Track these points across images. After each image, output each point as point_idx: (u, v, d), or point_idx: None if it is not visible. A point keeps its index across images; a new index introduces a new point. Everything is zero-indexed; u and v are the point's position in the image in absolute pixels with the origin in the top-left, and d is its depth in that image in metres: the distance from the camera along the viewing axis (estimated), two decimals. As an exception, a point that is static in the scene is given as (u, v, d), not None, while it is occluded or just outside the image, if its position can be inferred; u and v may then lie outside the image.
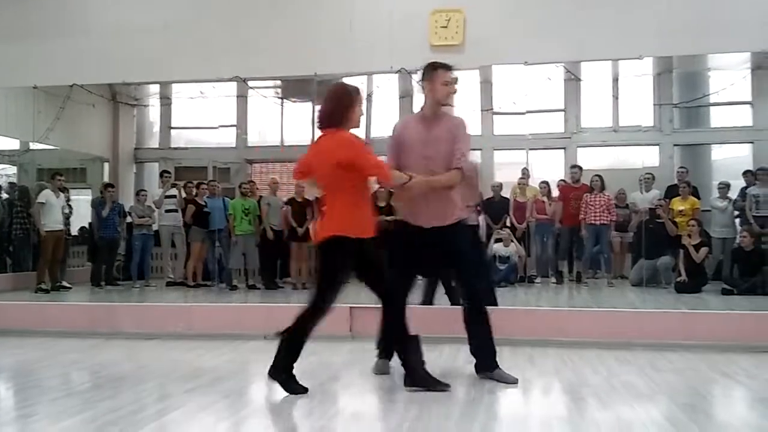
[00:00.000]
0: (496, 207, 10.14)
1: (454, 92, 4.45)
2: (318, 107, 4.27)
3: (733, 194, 9.74)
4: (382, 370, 4.53)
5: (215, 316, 6.43)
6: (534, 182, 10.40)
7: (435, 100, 4.41)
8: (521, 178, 10.29)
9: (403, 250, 4.43)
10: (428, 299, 6.36)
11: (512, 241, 9.68)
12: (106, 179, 12.24)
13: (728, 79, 10.78)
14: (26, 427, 3.53)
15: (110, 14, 9.34)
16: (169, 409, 3.86)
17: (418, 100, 13.20)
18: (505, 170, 11.59)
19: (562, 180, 10.85)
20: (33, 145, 11.38)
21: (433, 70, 4.44)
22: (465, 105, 11.58)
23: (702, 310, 6.76)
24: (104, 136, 12.91)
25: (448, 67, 4.44)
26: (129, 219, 10.55)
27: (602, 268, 9.97)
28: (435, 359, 5.06)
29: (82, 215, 11.25)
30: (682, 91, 12.01)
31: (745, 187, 9.65)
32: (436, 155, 4.31)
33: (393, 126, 4.59)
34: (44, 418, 3.69)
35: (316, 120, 4.25)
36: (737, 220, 9.63)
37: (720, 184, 9.88)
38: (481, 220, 10.46)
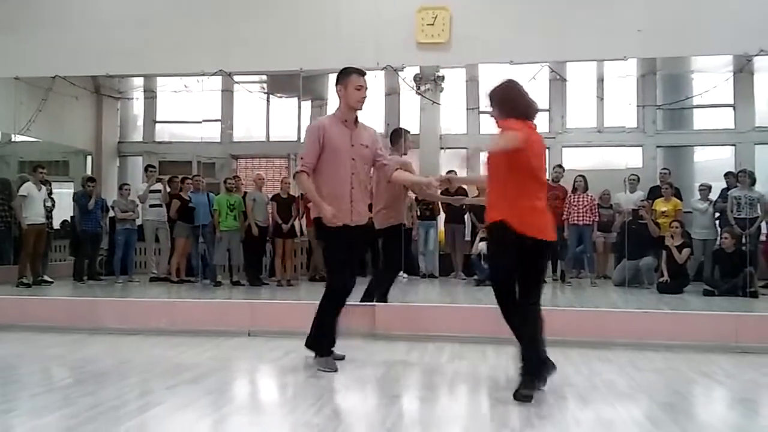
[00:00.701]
0: (481, 206, 10.15)
1: (365, 97, 4.65)
2: (494, 99, 4.11)
3: (715, 196, 9.84)
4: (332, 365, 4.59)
5: (198, 313, 6.40)
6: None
7: (347, 103, 4.63)
8: (506, 177, 10.29)
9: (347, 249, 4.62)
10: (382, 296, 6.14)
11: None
12: (89, 172, 12.12)
13: (711, 81, 10.85)
14: (6, 422, 3.48)
15: (93, 5, 9.24)
16: (151, 405, 3.85)
17: (405, 98, 13.15)
18: (491, 169, 11.59)
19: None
20: (15, 137, 11.23)
21: (346, 75, 4.63)
22: (451, 103, 11.60)
23: (683, 310, 6.82)
24: (87, 128, 12.77)
25: (361, 72, 4.65)
26: (111, 213, 10.45)
27: (585, 268, 10.02)
28: (420, 357, 5.09)
29: (64, 209, 11.12)
30: (666, 93, 12.11)
31: (726, 189, 9.75)
32: (360, 158, 4.63)
33: (312, 128, 4.68)
34: (24, 413, 3.66)
35: (524, 111, 4.07)
36: (717, 222, 9.73)
37: (701, 186, 9.97)
38: (467, 218, 10.53)
